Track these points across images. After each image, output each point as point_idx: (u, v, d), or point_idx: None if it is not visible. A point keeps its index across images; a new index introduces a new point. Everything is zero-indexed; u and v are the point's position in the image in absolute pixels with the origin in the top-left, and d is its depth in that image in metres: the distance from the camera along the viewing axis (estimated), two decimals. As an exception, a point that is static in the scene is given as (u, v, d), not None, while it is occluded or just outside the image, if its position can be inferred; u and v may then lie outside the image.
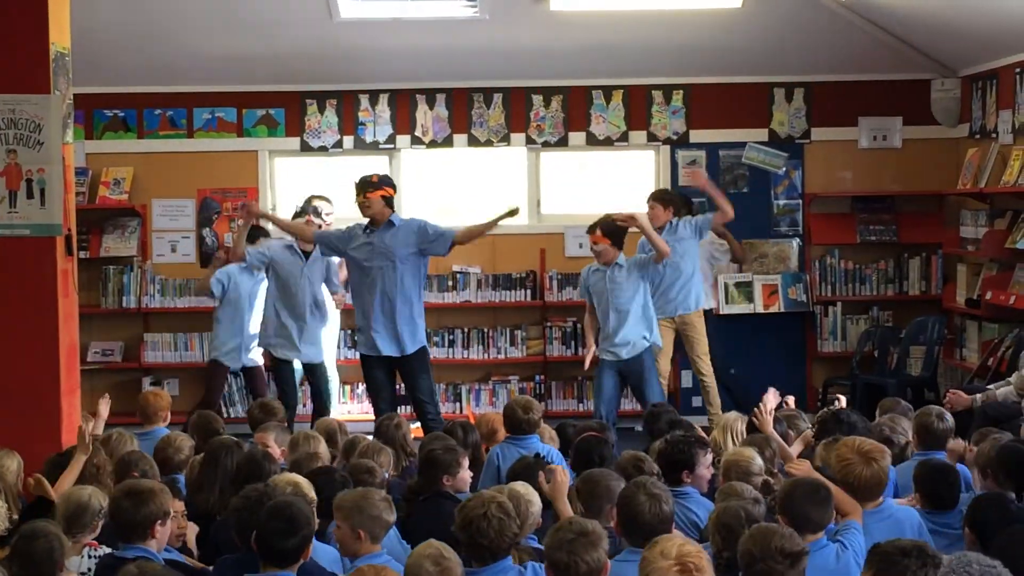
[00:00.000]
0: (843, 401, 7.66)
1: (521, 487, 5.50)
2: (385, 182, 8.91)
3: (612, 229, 9.14)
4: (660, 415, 7.49)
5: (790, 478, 5.60)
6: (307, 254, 9.42)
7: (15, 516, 5.90)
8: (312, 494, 5.63)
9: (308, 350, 9.52)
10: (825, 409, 7.39)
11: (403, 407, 9.46)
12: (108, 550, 5.26)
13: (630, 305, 9.06)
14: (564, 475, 5.49)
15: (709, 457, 6.16)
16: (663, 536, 4.37)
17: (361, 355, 9.06)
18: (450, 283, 11.00)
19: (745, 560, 4.46)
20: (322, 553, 5.25)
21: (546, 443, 7.09)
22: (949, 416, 6.80)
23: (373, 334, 8.86)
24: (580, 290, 9.67)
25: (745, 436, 6.89)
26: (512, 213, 8.93)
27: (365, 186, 8.84)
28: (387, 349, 8.88)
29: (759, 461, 6.03)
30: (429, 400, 8.97)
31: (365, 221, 8.97)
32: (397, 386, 9.27)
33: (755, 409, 6.76)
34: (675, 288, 9.77)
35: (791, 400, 7.85)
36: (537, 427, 7.16)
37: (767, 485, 5.91)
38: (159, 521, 5.18)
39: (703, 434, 7.05)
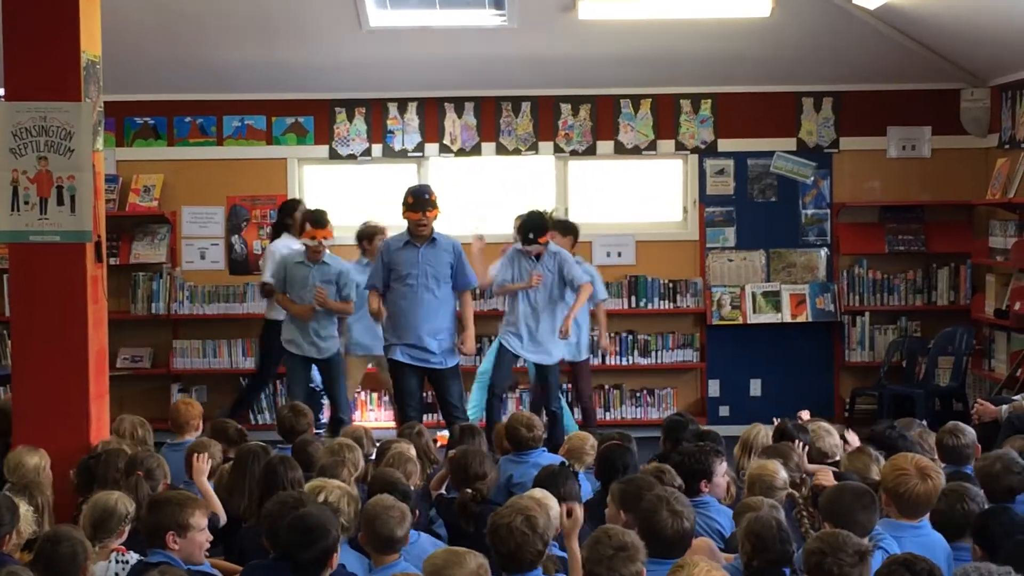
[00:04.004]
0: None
1: (541, 495, 5.50)
2: (436, 200, 8.95)
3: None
4: (682, 425, 7.49)
5: (833, 485, 5.59)
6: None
7: (47, 520, 5.95)
8: (343, 495, 5.66)
9: None
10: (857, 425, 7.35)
11: (427, 414, 9.53)
12: (136, 556, 5.29)
13: None
14: (580, 513, 5.47)
15: (724, 465, 6.17)
16: (689, 561, 4.36)
17: (395, 363, 9.06)
18: (478, 291, 10.99)
19: (814, 559, 4.44)
20: (354, 561, 5.29)
21: (587, 453, 7.06)
22: (970, 431, 6.75)
23: (416, 345, 8.89)
24: None
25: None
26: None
27: (427, 204, 8.83)
28: (431, 361, 8.92)
29: (783, 474, 6.02)
30: (460, 405, 9.05)
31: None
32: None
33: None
34: None
35: (806, 414, 7.80)
36: (540, 443, 7.16)
37: (791, 498, 5.91)
38: (172, 532, 5.19)
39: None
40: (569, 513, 5.38)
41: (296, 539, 4.85)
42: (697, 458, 6.05)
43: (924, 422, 7.35)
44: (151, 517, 5.24)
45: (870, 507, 5.13)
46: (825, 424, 7.12)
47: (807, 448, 6.72)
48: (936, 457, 6.59)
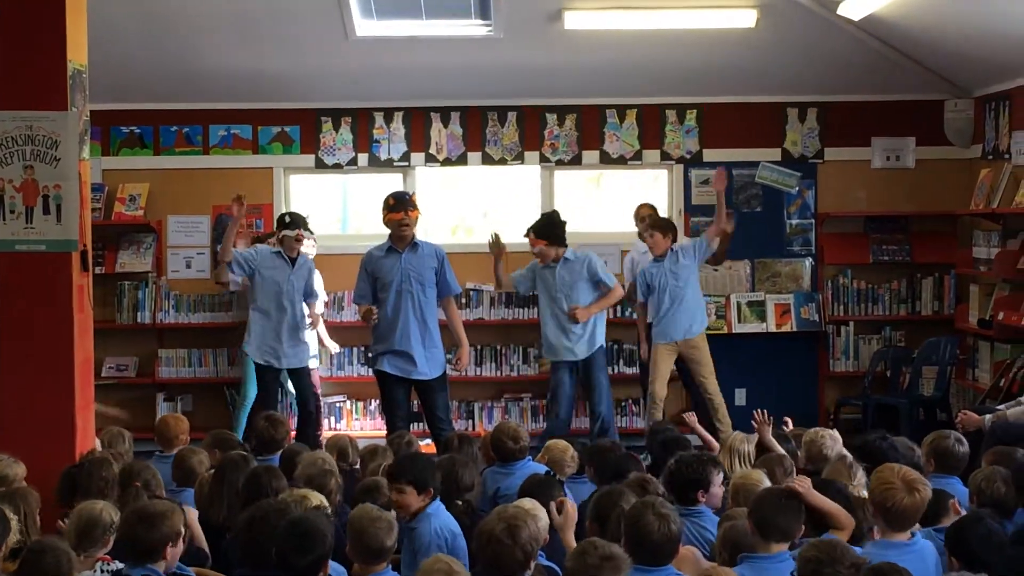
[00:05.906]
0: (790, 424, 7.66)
1: (529, 504, 5.49)
2: (416, 202, 8.94)
3: (545, 230, 9.60)
4: (658, 433, 7.50)
5: (764, 487, 5.60)
6: (293, 261, 9.44)
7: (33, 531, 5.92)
8: (325, 503, 5.66)
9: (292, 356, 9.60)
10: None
11: (413, 424, 9.51)
12: (120, 565, 5.27)
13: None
14: (573, 508, 5.47)
15: (721, 476, 6.16)
16: (721, 571, 4.36)
17: (382, 373, 9.05)
18: (463, 300, 10.98)
19: (810, 566, 4.44)
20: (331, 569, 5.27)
21: (568, 463, 7.06)
22: (964, 441, 6.75)
23: (403, 355, 8.87)
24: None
25: (753, 456, 6.90)
26: None
27: (407, 204, 8.82)
28: (418, 372, 8.91)
29: (767, 484, 6.03)
30: (445, 417, 9.04)
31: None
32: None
33: (755, 412, 6.81)
34: (679, 313, 9.82)
35: (790, 422, 7.79)
36: (526, 454, 7.12)
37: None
38: (170, 543, 5.18)
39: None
40: (559, 509, 5.38)
41: (293, 543, 4.81)
42: (694, 467, 6.01)
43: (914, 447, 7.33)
44: (153, 533, 5.13)
45: (792, 511, 5.11)
46: (831, 432, 7.07)
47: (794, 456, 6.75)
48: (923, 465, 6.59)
